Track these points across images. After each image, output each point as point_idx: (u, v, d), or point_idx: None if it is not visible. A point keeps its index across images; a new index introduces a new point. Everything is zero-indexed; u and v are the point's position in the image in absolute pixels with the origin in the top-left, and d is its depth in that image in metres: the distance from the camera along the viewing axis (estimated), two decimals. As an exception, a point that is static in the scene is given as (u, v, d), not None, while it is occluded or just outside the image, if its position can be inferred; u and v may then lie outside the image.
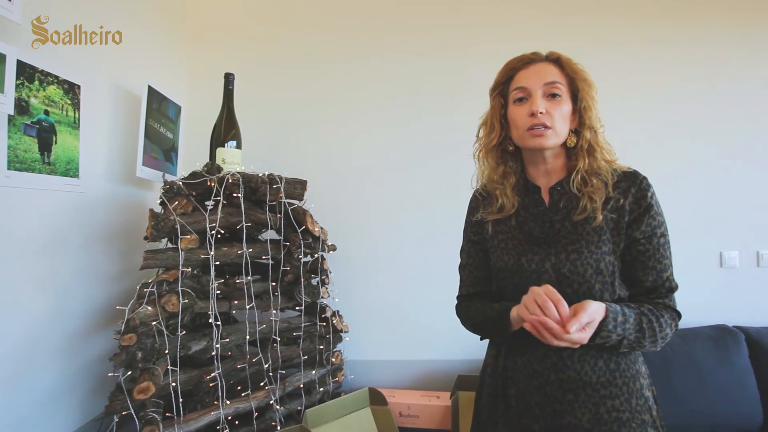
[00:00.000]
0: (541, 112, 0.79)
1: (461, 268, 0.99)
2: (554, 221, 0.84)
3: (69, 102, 1.23)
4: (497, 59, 1.75)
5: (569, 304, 0.78)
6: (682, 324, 1.56)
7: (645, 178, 0.83)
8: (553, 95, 0.81)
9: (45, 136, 1.16)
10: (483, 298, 0.94)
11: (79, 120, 1.26)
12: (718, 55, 1.78)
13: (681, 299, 0.84)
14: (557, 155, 0.86)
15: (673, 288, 0.82)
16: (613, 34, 1.79)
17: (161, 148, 1.50)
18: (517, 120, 0.83)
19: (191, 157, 1.67)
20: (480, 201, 0.95)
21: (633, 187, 0.81)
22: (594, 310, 0.71)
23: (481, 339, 0.95)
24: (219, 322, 1.26)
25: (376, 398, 1.58)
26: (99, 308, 1.33)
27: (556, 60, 0.84)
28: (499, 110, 0.88)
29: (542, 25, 1.81)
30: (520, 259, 0.83)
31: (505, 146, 0.89)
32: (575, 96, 0.83)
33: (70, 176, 1.23)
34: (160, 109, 1.48)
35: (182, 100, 1.64)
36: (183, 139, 1.65)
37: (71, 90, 1.24)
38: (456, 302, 1.00)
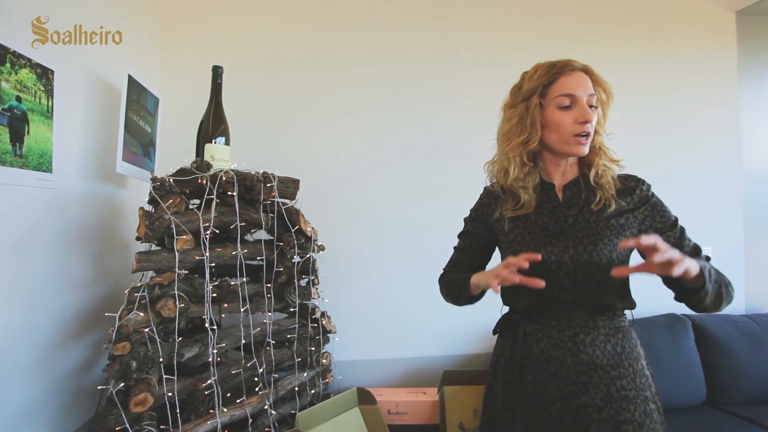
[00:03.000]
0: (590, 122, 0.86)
1: (455, 248, 1.10)
2: (568, 216, 0.91)
3: (42, 88, 1.11)
4: (486, 65, 1.86)
5: (586, 292, 0.88)
6: (641, 313, 1.77)
7: (644, 180, 0.94)
8: (592, 106, 0.87)
9: (17, 126, 1.03)
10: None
11: (52, 109, 1.14)
12: (661, 65, 2.00)
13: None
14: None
15: (709, 257, 0.89)
16: (593, 40, 1.96)
17: (140, 142, 1.40)
18: (564, 125, 0.87)
19: (166, 152, 1.57)
20: (497, 197, 1.00)
21: (638, 189, 0.92)
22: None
23: (449, 300, 1.07)
24: (215, 327, 1.20)
25: (365, 397, 1.58)
26: (73, 316, 1.21)
27: (589, 72, 0.89)
28: (540, 113, 0.89)
29: (528, 31, 1.92)
30: (540, 251, 0.89)
31: (534, 147, 0.92)
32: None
33: (43, 171, 1.11)
34: (140, 101, 1.38)
35: (158, 92, 1.53)
36: (159, 133, 1.55)
37: (44, 75, 1.12)
38: (441, 273, 1.12)
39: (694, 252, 0.90)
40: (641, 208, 0.91)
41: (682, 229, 0.92)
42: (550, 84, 0.88)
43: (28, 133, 1.06)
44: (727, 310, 1.92)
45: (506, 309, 1.04)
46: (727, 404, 1.70)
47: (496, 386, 0.98)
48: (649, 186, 0.93)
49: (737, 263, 2.02)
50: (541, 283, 0.78)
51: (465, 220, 1.08)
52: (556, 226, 0.91)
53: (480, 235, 1.03)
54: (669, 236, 0.90)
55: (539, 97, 0.89)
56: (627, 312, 0.96)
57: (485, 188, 1.05)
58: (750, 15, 2.07)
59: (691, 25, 2.03)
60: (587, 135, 0.87)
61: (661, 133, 1.99)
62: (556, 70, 0.88)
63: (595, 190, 0.91)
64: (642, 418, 0.85)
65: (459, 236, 1.10)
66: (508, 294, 0.98)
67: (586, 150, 0.88)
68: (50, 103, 1.14)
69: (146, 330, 1.07)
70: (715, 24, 2.05)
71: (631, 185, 0.93)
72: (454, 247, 1.10)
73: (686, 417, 1.63)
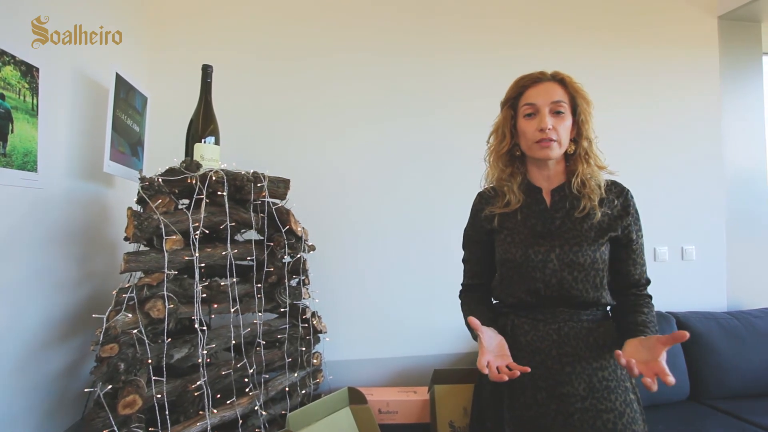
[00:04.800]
0: (549, 128, 0.90)
1: (464, 261, 1.10)
2: (555, 218, 0.95)
3: (27, 86, 1.09)
4: (478, 66, 1.88)
5: (570, 288, 0.92)
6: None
7: (629, 190, 0.99)
8: (558, 112, 0.92)
9: (1, 124, 1.01)
10: (477, 292, 1.07)
11: (37, 107, 1.12)
12: (645, 68, 2.04)
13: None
14: (558, 162, 0.98)
15: (649, 281, 1.00)
16: (579, 44, 1.98)
17: (128, 141, 1.38)
18: (527, 133, 0.94)
19: (154, 152, 1.56)
20: (489, 198, 1.04)
21: (621, 197, 0.97)
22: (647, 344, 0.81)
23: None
24: (204, 328, 1.19)
25: (356, 397, 1.58)
26: (59, 318, 1.19)
27: (560, 80, 0.95)
28: (510, 121, 0.98)
29: (517, 33, 1.94)
30: (528, 251, 0.93)
31: (513, 152, 0.99)
32: (574, 109, 0.94)
33: (28, 170, 1.09)
34: (128, 100, 1.36)
35: (146, 91, 1.51)
36: (147, 133, 1.53)
37: (29, 72, 1.10)
38: (460, 289, 1.11)
39: (643, 273, 0.98)
40: (626, 217, 0.95)
41: (642, 245, 0.99)
42: (518, 96, 0.96)
43: (12, 131, 1.04)
44: (710, 307, 2.00)
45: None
46: (709, 399, 1.74)
47: (484, 377, 1.00)
48: (632, 197, 0.98)
49: (719, 261, 2.07)
50: (526, 369, 0.79)
51: (464, 230, 1.10)
52: (543, 228, 0.95)
53: (479, 240, 1.06)
54: (634, 248, 0.96)
55: (510, 108, 0.98)
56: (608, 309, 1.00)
57: (478, 194, 1.09)
58: (731, 20, 2.13)
59: (674, 30, 2.08)
60: (549, 140, 0.91)
61: (646, 135, 2.03)
62: (523, 83, 0.96)
63: (579, 197, 0.94)
64: (622, 407, 0.89)
65: (463, 247, 1.10)
66: (499, 289, 1.01)
67: (550, 154, 0.92)
68: (35, 101, 1.12)
69: (134, 331, 1.05)
70: (697, 28, 2.10)
71: (617, 193, 0.97)
72: (462, 260, 1.10)
73: (670, 412, 1.67)
